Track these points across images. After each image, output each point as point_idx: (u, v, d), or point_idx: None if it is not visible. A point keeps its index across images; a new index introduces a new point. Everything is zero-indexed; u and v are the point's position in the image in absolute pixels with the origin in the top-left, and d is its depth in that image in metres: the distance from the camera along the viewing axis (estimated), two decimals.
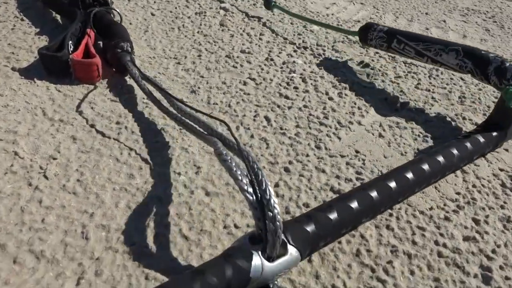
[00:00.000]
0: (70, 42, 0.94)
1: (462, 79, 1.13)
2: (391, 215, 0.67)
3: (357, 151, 0.81)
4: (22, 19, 1.14)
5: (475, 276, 0.59)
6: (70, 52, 0.92)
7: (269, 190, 0.48)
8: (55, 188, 0.65)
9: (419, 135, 0.87)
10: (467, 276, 0.59)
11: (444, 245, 0.63)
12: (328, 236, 0.57)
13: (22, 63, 0.95)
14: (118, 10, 1.08)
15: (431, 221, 0.67)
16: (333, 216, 0.56)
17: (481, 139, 0.79)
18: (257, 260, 0.47)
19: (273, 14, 1.38)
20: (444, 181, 0.76)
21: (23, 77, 0.90)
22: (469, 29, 1.56)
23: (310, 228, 0.53)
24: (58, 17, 1.18)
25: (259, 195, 0.48)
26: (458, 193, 0.74)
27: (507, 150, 0.87)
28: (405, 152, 0.82)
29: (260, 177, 0.50)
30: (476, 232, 0.66)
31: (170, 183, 0.68)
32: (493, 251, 0.63)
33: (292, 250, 0.50)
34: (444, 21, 1.60)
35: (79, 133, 0.77)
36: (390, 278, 0.58)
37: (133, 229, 0.60)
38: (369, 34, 1.06)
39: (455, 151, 0.74)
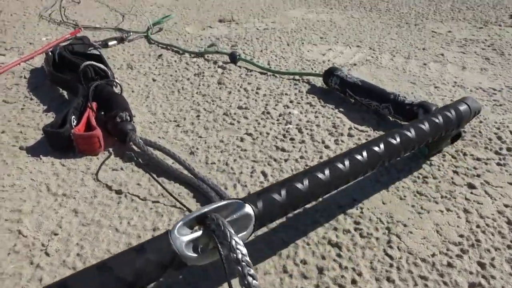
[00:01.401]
0: (73, 117, 0.99)
1: None
2: (391, 265, 0.66)
3: (354, 199, 0.80)
4: (31, 99, 1.21)
5: None
6: (73, 126, 0.96)
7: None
8: (55, 265, 0.66)
9: (418, 177, 0.86)
10: None
11: None
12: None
13: (29, 141, 1.00)
14: (118, 82, 1.13)
15: (433, 268, 0.65)
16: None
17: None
18: None
19: (240, 67, 1.44)
20: (446, 223, 0.74)
21: (30, 155, 0.94)
22: (468, 60, 1.56)
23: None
24: (65, 92, 1.25)
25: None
26: (461, 236, 0.72)
27: (511, 184, 0.85)
28: (404, 196, 0.81)
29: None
30: (482, 277, 0.64)
31: None
32: None
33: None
34: (442, 55, 1.61)
35: (80, 206, 0.79)
36: None
37: None
38: (329, 80, 1.24)
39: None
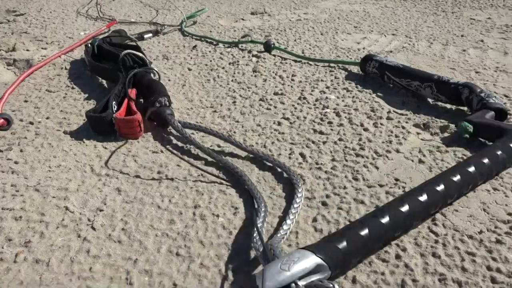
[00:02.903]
0: (114, 102, 1.02)
1: (506, 96, 1.09)
2: (436, 242, 0.64)
3: (396, 179, 0.79)
4: (72, 88, 1.25)
5: None
6: (114, 111, 0.99)
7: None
8: (102, 238, 0.68)
9: (462, 158, 0.84)
10: None
11: (498, 270, 0.59)
12: (359, 252, 0.56)
13: (72, 126, 1.03)
14: (156, 69, 1.15)
15: (481, 245, 0.63)
16: (364, 232, 0.55)
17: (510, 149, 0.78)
18: None
19: (274, 56, 1.44)
20: (494, 202, 0.72)
21: (73, 138, 0.97)
22: (510, 45, 1.51)
23: (341, 245, 0.53)
24: (105, 82, 1.28)
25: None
26: (510, 214, 0.69)
27: None
28: None
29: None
30: None
31: (209, 225, 0.70)
32: None
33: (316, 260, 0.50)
34: (482, 41, 1.56)
35: (123, 185, 0.81)
36: None
37: (175, 272, 0.61)
38: (366, 66, 1.21)
39: (486, 160, 0.72)
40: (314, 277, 0.52)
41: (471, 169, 0.70)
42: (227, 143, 0.92)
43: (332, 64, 1.34)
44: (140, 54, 1.22)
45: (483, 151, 0.76)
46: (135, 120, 0.96)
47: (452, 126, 0.95)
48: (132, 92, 1.07)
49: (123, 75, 1.15)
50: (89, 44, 1.38)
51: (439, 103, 1.05)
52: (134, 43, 1.42)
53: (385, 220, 0.60)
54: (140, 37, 1.66)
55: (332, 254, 0.54)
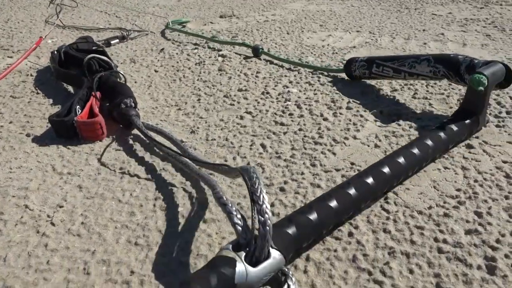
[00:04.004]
0: (78, 107, 1.01)
1: None
2: (388, 218, 0.67)
3: (352, 163, 0.81)
4: (37, 93, 1.24)
5: (479, 267, 0.57)
6: (78, 115, 0.99)
7: (263, 196, 0.50)
8: (61, 233, 0.68)
9: None
10: (470, 268, 0.57)
11: (445, 241, 0.62)
12: (310, 236, 0.57)
13: (36, 129, 1.03)
14: (122, 72, 1.16)
15: (430, 219, 0.66)
16: (313, 216, 0.56)
17: (455, 128, 0.80)
18: (240, 266, 0.48)
19: (261, 60, 1.44)
20: (443, 179, 0.75)
21: (36, 141, 0.97)
22: (469, 37, 1.56)
23: (291, 230, 0.54)
24: (71, 87, 1.28)
25: (253, 201, 0.50)
26: (458, 190, 0.72)
27: (511, 143, 0.85)
28: None
29: (256, 185, 0.52)
30: (478, 224, 0.64)
31: (170, 216, 0.71)
32: (498, 241, 0.61)
33: (275, 254, 0.50)
34: (443, 34, 1.61)
35: (85, 182, 0.81)
36: (388, 279, 0.56)
37: (133, 260, 0.62)
38: (351, 67, 1.16)
39: (429, 142, 0.75)
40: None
41: (415, 151, 0.73)
42: (189, 140, 0.93)
43: (297, 62, 1.36)
44: (105, 58, 1.22)
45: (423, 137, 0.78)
46: (97, 122, 0.96)
47: (407, 112, 0.98)
48: (97, 96, 1.07)
49: (87, 80, 1.15)
50: (55, 51, 1.38)
51: (396, 94, 1.09)
52: (100, 49, 1.42)
53: (333, 203, 0.61)
54: (107, 43, 1.67)
55: (284, 242, 0.54)
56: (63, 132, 0.99)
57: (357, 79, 1.18)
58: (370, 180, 0.64)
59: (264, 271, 0.49)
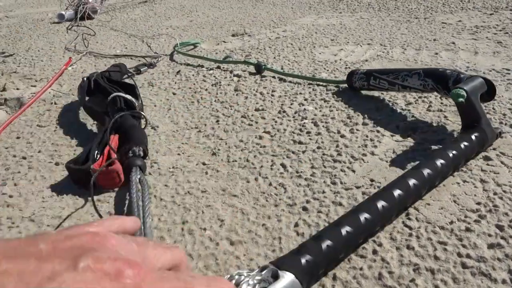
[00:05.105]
0: (96, 152, 0.97)
1: None
2: (410, 235, 0.68)
3: (372, 180, 0.83)
4: (62, 121, 1.29)
5: (503, 281, 0.58)
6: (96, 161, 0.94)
7: None
8: None
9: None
10: (495, 283, 0.58)
11: (468, 256, 0.63)
12: (324, 263, 0.60)
13: (64, 158, 1.07)
14: (143, 114, 1.13)
15: (452, 234, 0.67)
16: (325, 244, 0.59)
17: (463, 144, 0.82)
18: None
19: (264, 76, 1.47)
20: (463, 193, 0.76)
21: (64, 169, 1.01)
22: (480, 45, 1.57)
23: (303, 259, 0.56)
24: None
25: None
26: (478, 203, 0.73)
27: None
28: None
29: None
30: (501, 238, 0.65)
31: (197, 238, 0.74)
32: None
33: (288, 277, 0.52)
34: (453, 43, 1.63)
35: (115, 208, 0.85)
36: None
37: None
38: (352, 78, 1.23)
39: (439, 162, 0.76)
40: None
41: (426, 171, 0.74)
42: (211, 162, 0.96)
43: (301, 75, 1.39)
44: (129, 97, 1.18)
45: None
46: (114, 171, 0.91)
47: (422, 126, 1.00)
48: (114, 139, 1.03)
49: (109, 119, 1.10)
50: (85, 79, 1.37)
51: (411, 108, 1.10)
52: (131, 82, 1.37)
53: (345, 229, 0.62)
54: (137, 70, 1.70)
55: (300, 267, 0.55)
56: (80, 180, 0.93)
57: (358, 90, 1.25)
58: (381, 203, 0.67)
59: None
